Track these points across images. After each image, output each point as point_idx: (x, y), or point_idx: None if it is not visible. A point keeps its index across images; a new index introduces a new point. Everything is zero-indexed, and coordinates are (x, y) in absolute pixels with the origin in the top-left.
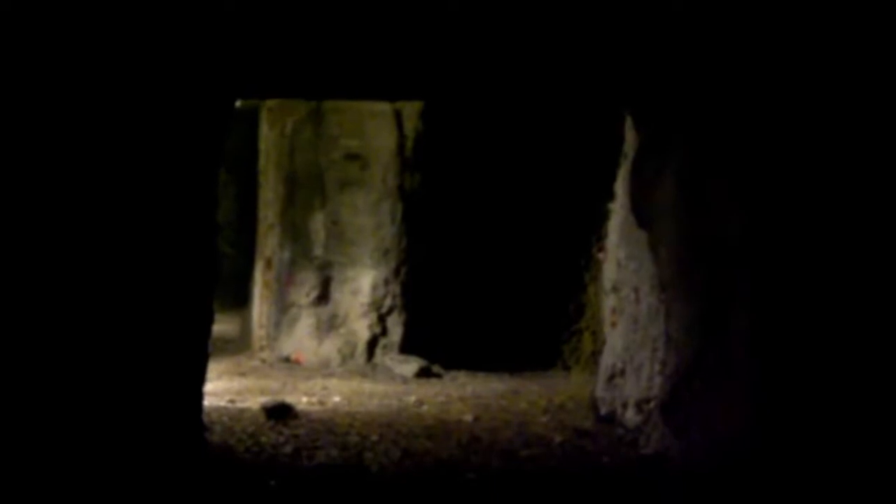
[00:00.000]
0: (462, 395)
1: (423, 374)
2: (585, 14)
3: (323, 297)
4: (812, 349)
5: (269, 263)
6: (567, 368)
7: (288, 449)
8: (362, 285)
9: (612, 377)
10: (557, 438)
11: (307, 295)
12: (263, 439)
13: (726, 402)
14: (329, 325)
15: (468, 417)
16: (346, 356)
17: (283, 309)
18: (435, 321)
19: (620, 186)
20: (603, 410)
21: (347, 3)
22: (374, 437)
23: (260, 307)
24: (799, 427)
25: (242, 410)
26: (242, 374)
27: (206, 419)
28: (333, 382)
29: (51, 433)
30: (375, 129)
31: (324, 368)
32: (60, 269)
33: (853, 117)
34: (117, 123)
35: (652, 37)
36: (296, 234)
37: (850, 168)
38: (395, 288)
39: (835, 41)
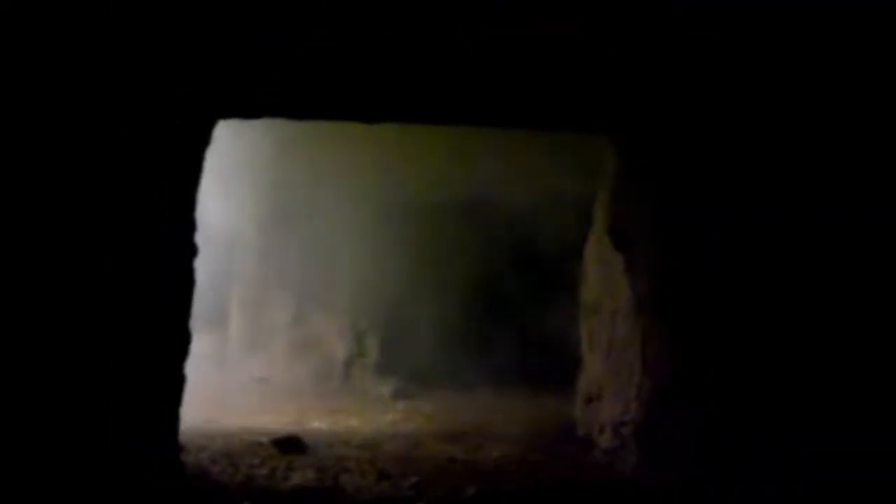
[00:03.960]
0: (439, 413)
1: (400, 393)
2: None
3: None
4: (781, 378)
5: None
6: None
7: (264, 470)
8: None
9: (589, 400)
10: (535, 460)
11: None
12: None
13: (697, 426)
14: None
15: (444, 437)
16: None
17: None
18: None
19: (598, 209)
20: (581, 432)
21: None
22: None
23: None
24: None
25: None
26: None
27: (182, 439)
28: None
29: (21, 450)
30: None
31: None
32: (36, 285)
33: (817, 153)
34: (100, 143)
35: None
36: None
37: (816, 206)
38: None
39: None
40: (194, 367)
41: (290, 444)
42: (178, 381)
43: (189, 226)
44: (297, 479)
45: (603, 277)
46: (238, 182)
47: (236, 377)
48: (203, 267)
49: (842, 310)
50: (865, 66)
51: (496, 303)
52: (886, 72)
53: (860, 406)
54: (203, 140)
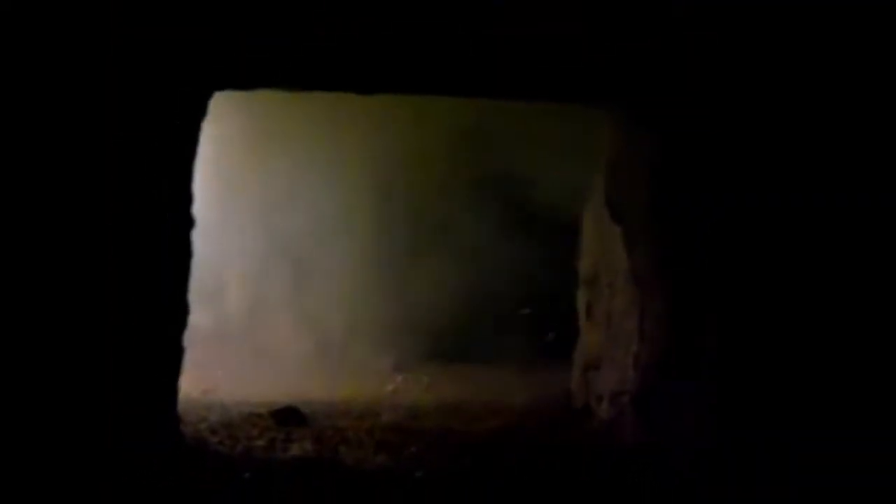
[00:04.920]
0: (438, 385)
1: (399, 365)
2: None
3: None
4: (775, 350)
5: None
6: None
7: (263, 441)
8: None
9: (586, 370)
10: (532, 431)
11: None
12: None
13: (695, 396)
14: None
15: (443, 408)
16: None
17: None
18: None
19: (596, 181)
20: (578, 403)
21: None
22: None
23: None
24: (755, 422)
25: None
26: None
27: (181, 411)
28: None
29: (20, 420)
30: None
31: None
32: (32, 262)
33: (820, 127)
34: (92, 117)
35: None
36: None
37: (819, 178)
38: None
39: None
40: (192, 339)
41: (288, 416)
42: (176, 353)
43: (186, 197)
44: (295, 450)
45: (600, 249)
46: (235, 153)
47: (235, 349)
48: (201, 239)
49: (840, 303)
50: (866, 55)
51: (497, 275)
52: (886, 61)
53: (855, 401)
54: (199, 112)
